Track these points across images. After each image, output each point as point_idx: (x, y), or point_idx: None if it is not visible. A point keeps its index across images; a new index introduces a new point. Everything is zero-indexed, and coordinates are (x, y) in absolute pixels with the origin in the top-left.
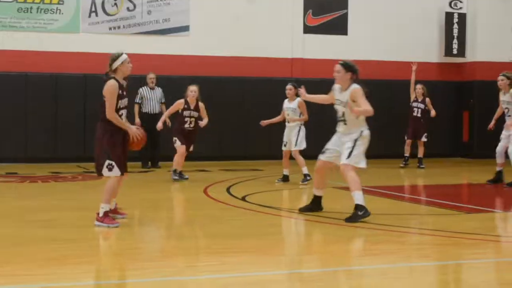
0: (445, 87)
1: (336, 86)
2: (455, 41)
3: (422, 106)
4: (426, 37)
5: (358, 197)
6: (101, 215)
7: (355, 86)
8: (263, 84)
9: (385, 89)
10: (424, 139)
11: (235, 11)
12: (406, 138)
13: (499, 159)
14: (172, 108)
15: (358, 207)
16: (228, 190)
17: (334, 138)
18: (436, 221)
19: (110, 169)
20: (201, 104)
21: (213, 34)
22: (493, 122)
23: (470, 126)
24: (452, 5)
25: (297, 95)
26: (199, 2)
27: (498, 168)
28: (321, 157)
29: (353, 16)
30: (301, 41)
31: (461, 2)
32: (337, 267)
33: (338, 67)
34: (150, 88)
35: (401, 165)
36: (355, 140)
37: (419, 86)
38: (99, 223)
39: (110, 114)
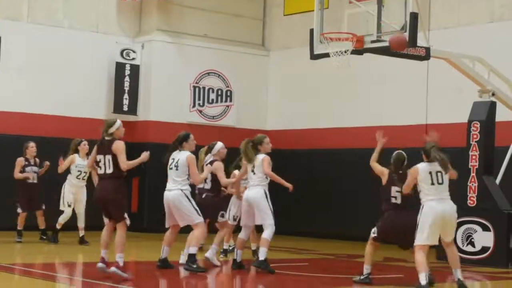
0: None
1: None
2: (126, 96)
3: (35, 169)
4: (93, 90)
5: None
6: (122, 264)
7: None
8: None
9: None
10: (43, 207)
11: None
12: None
13: None
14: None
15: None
16: None
17: None
18: None
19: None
20: None
21: None
22: None
23: (141, 194)
24: (124, 55)
25: None
26: None
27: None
28: None
29: (4, 63)
30: None
31: (134, 52)
32: None
33: None
34: None
35: (18, 240)
36: None
37: (31, 144)
38: (118, 271)
39: (126, 165)
